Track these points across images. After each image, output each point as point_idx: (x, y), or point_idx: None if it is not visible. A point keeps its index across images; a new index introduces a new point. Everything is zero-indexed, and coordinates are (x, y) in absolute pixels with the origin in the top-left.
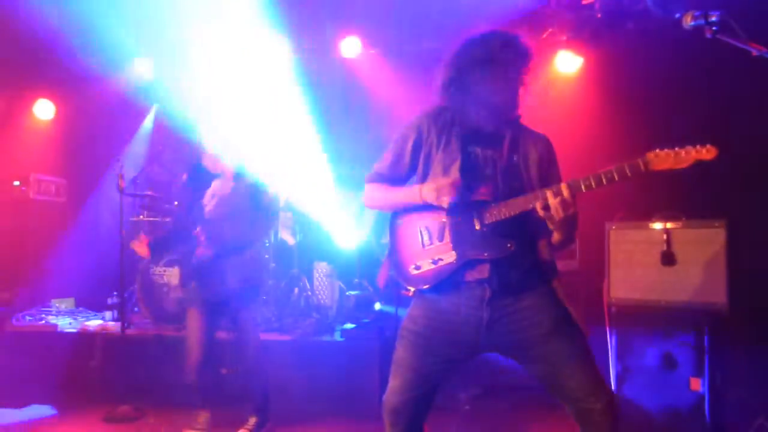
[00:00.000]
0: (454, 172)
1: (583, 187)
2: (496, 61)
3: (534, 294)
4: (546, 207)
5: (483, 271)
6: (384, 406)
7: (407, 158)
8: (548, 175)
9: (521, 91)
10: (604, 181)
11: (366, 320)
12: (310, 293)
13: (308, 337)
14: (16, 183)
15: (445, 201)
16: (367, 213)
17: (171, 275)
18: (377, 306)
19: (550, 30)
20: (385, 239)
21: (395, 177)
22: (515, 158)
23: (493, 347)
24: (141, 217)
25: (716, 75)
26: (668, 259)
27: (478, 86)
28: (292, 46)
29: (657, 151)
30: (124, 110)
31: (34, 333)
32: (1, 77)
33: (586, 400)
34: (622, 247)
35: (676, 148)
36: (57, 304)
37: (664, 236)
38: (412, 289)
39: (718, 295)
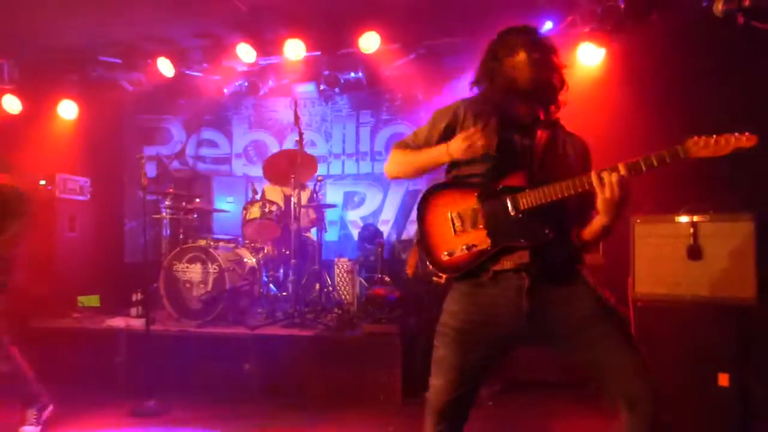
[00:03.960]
0: (491, 153)
1: (643, 166)
2: (530, 55)
3: (571, 281)
4: (601, 179)
5: (522, 258)
6: (428, 407)
7: (436, 138)
8: (582, 173)
9: (558, 88)
10: (643, 168)
11: (387, 316)
12: (331, 289)
13: (329, 332)
14: (42, 182)
15: (479, 148)
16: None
17: (194, 272)
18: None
19: (570, 18)
20: (414, 227)
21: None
22: (552, 152)
23: (535, 338)
24: (164, 214)
25: (745, 65)
26: (695, 253)
27: (513, 79)
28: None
29: (696, 138)
30: (147, 109)
31: (60, 330)
32: (26, 79)
33: (633, 385)
34: (648, 241)
35: (715, 136)
36: (83, 301)
37: (691, 230)
38: (444, 276)
39: (747, 290)
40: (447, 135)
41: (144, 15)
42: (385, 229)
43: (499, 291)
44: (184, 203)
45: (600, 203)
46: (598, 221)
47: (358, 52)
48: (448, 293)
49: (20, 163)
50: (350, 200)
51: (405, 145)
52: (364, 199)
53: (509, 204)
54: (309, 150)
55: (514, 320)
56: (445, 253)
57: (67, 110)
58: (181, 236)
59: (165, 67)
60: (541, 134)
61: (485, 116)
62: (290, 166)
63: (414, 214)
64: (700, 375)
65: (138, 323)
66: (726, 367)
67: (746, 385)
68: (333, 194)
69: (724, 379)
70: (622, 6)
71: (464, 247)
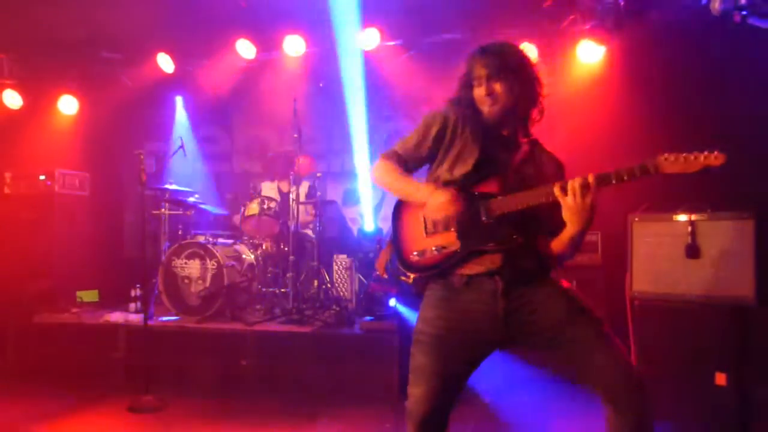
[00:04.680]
0: (469, 164)
1: (609, 177)
2: (491, 88)
3: (544, 284)
4: (564, 189)
5: (494, 263)
6: (409, 416)
7: (428, 145)
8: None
9: (532, 106)
10: (613, 181)
11: (385, 313)
12: (329, 286)
13: (327, 329)
14: (42, 177)
15: (449, 221)
16: (389, 205)
17: (193, 268)
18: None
19: (571, 18)
20: (388, 224)
21: (414, 160)
22: (529, 164)
23: (513, 340)
24: (163, 210)
25: (744, 63)
26: (693, 252)
27: (480, 111)
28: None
29: (667, 154)
30: (147, 104)
31: (59, 324)
32: (27, 74)
33: (616, 379)
34: (646, 239)
35: (686, 153)
36: (82, 296)
37: (689, 228)
38: (412, 276)
39: (746, 289)
40: (438, 143)
41: (144, 10)
42: (385, 226)
43: (473, 296)
44: (183, 199)
45: (564, 211)
46: (566, 232)
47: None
48: (423, 299)
49: (20, 158)
50: (351, 197)
51: (395, 155)
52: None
53: (481, 209)
54: (308, 146)
55: (490, 324)
56: (415, 253)
57: (68, 105)
58: (180, 232)
59: (165, 62)
60: (520, 147)
61: (472, 120)
62: (288, 163)
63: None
64: (697, 374)
65: (136, 318)
66: (724, 367)
67: (744, 385)
68: (333, 191)
69: (721, 379)
70: (622, 3)
71: (434, 248)
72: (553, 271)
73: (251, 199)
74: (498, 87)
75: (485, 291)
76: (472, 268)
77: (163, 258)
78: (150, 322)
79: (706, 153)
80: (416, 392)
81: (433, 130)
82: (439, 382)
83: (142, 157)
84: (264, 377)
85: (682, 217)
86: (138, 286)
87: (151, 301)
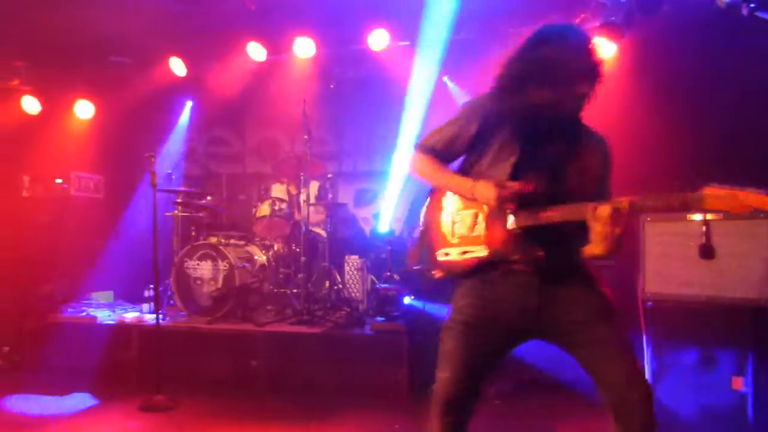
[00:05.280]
0: (507, 167)
1: (637, 207)
2: (567, 65)
3: (579, 281)
4: (595, 217)
5: (526, 267)
6: (435, 400)
7: (466, 140)
8: (603, 182)
9: (588, 94)
10: (648, 208)
11: (396, 314)
12: (341, 286)
13: (338, 330)
14: (59, 180)
15: (504, 210)
16: (400, 206)
17: (205, 269)
18: (407, 300)
19: (582, 15)
20: (420, 218)
21: (448, 154)
22: (572, 161)
23: (539, 334)
24: (176, 212)
25: (756, 56)
26: (707, 252)
27: (542, 87)
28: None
29: (715, 188)
30: (159, 107)
31: (74, 325)
32: (44, 81)
33: (625, 389)
34: (658, 239)
35: (736, 189)
36: (96, 297)
37: (703, 228)
38: (439, 274)
39: (761, 290)
40: (476, 140)
41: (157, 16)
42: (397, 226)
43: (507, 288)
44: (195, 201)
45: (591, 235)
46: (587, 249)
47: (368, 50)
48: (457, 288)
49: (38, 161)
50: (362, 198)
51: (431, 149)
52: (375, 196)
53: (510, 217)
54: (319, 148)
55: (521, 317)
56: (442, 252)
57: (84, 110)
58: (192, 233)
59: (177, 66)
60: (563, 141)
61: (511, 116)
62: (298, 165)
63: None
64: (713, 378)
65: (149, 319)
66: (740, 370)
67: (762, 389)
68: (345, 192)
69: (738, 383)
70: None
71: (460, 250)
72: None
73: (262, 201)
74: (572, 63)
75: (520, 285)
76: (509, 264)
77: (176, 259)
78: (162, 323)
79: (755, 194)
80: (442, 377)
81: (472, 127)
82: (464, 368)
83: (153, 159)
84: (274, 378)
85: (696, 217)
86: (151, 287)
87: (164, 301)
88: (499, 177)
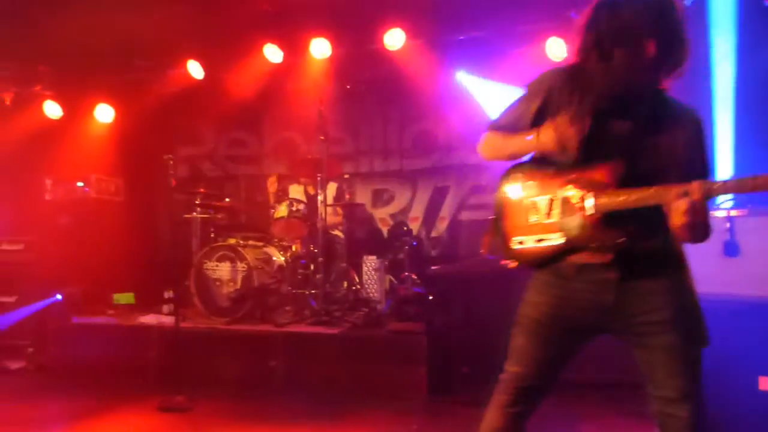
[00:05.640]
0: (576, 146)
1: (719, 191)
2: (649, 33)
3: (663, 280)
4: (673, 207)
5: (604, 257)
6: (501, 389)
7: (530, 118)
8: (690, 161)
9: (674, 63)
10: (747, 188)
11: (414, 314)
12: (359, 287)
13: (356, 330)
14: (80, 184)
15: (570, 142)
16: (418, 205)
17: (224, 270)
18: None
19: None
20: (444, 224)
21: (515, 133)
22: (651, 137)
23: (611, 331)
24: (195, 214)
25: None
26: (732, 249)
27: (622, 55)
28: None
29: None
30: (178, 110)
31: (95, 326)
32: (65, 85)
33: (675, 405)
34: None
35: None
36: (117, 298)
37: (727, 224)
38: (513, 263)
39: None
40: (539, 119)
41: (174, 19)
42: (415, 226)
43: (582, 284)
44: (214, 202)
45: (672, 226)
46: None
47: (384, 49)
48: (530, 282)
49: (60, 164)
50: (379, 198)
51: (497, 127)
52: (393, 196)
53: (589, 202)
54: (336, 148)
55: (596, 314)
56: (516, 239)
57: (104, 114)
58: (211, 235)
59: (195, 69)
60: (642, 115)
61: (581, 90)
62: (316, 165)
63: (444, 211)
64: (739, 378)
65: (169, 320)
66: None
67: None
68: (362, 192)
69: (765, 383)
70: None
71: (535, 238)
72: (679, 263)
73: (280, 202)
74: (661, 31)
75: (597, 281)
76: (583, 257)
77: (195, 261)
78: (182, 324)
79: None
80: (512, 371)
81: (537, 102)
82: (535, 365)
83: (171, 162)
84: (293, 378)
85: (720, 213)
86: (171, 288)
87: (184, 303)
88: (568, 155)
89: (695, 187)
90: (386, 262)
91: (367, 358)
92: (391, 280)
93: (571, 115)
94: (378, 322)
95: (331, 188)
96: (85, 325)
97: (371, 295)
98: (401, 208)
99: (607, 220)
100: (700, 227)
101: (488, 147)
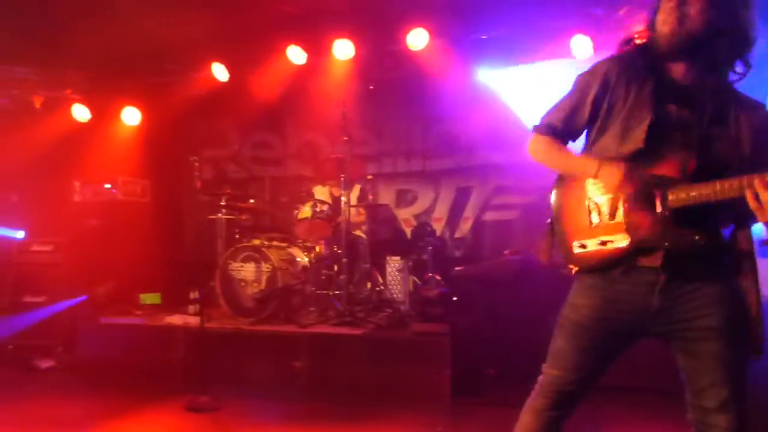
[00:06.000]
0: (639, 136)
1: None
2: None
3: (715, 284)
4: (758, 199)
5: (657, 258)
6: (540, 392)
7: (586, 111)
8: (760, 157)
9: (738, 44)
10: None
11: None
12: (382, 288)
13: (379, 331)
14: (108, 186)
15: (623, 195)
16: (442, 205)
17: (248, 271)
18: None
19: (627, 8)
20: (467, 225)
21: (569, 130)
22: (719, 127)
23: (652, 333)
24: (219, 215)
25: None
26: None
27: (668, 33)
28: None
29: None
30: (203, 112)
31: (123, 326)
32: (93, 89)
33: (716, 415)
34: None
35: None
36: (145, 299)
37: None
38: (575, 268)
39: None
40: (597, 107)
41: (199, 23)
42: (438, 227)
43: (628, 286)
44: (239, 204)
45: (762, 222)
46: (748, 230)
47: (407, 49)
48: (574, 283)
49: (88, 167)
50: (402, 198)
51: (548, 128)
52: (416, 197)
53: (657, 198)
54: (360, 149)
55: (641, 318)
56: (578, 244)
57: (130, 116)
58: (236, 236)
59: (219, 71)
60: (706, 106)
61: (640, 78)
62: (339, 166)
63: (468, 212)
64: None
65: (195, 320)
66: None
67: None
68: (385, 192)
69: None
70: None
71: (599, 241)
72: (737, 269)
73: (303, 203)
74: (695, 4)
75: (643, 283)
76: (637, 260)
77: (220, 261)
78: (207, 324)
79: None
80: (552, 373)
81: (592, 93)
82: (575, 369)
83: (196, 163)
84: (317, 379)
85: None
86: (196, 289)
87: (209, 303)
88: (631, 147)
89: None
90: (410, 263)
91: (390, 359)
92: (414, 281)
93: (631, 176)
94: (401, 323)
95: (355, 189)
96: (112, 325)
97: (395, 295)
98: (424, 208)
99: (679, 217)
100: None
101: (541, 154)
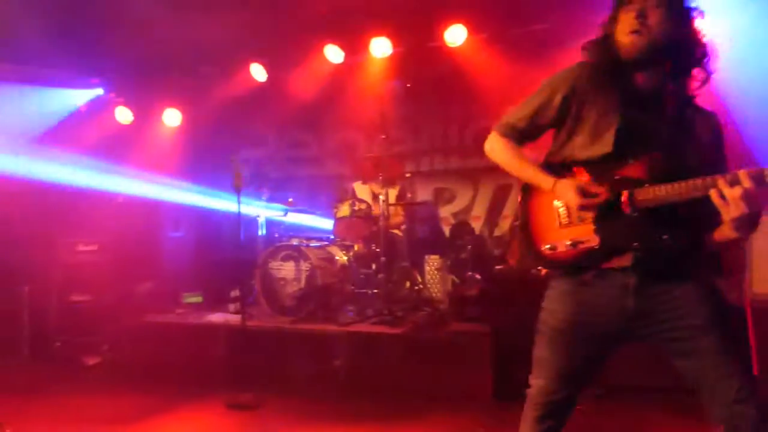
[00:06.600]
0: (608, 140)
1: (756, 181)
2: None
3: (689, 282)
4: (722, 197)
5: (626, 258)
6: (528, 405)
7: (553, 112)
8: (715, 161)
9: (692, 53)
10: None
11: (477, 315)
12: (421, 287)
13: (419, 331)
14: (150, 186)
15: (589, 214)
16: (480, 204)
17: (288, 269)
18: None
19: None
20: (507, 222)
21: (530, 131)
22: (682, 131)
23: (640, 338)
24: (260, 214)
25: None
26: None
27: (628, 44)
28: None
29: None
30: (242, 112)
31: (166, 324)
32: (135, 91)
33: (739, 406)
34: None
35: None
36: (187, 297)
37: None
38: (544, 270)
39: None
40: (564, 110)
41: (237, 24)
42: (477, 225)
43: (602, 289)
44: (278, 203)
45: (725, 221)
46: (723, 233)
47: (445, 46)
48: (547, 289)
49: (130, 167)
50: (440, 197)
51: (509, 129)
52: (454, 195)
53: (625, 200)
54: (397, 147)
55: (618, 321)
56: (547, 246)
57: (171, 118)
58: (276, 235)
59: (258, 72)
60: (668, 111)
61: (607, 84)
62: (377, 165)
63: (507, 210)
64: None
65: (235, 319)
66: None
67: None
68: (423, 191)
69: None
70: None
71: (568, 242)
72: (704, 262)
73: (342, 201)
74: (653, 16)
75: (615, 285)
76: (607, 262)
77: (260, 260)
78: (248, 323)
79: None
80: (536, 384)
81: (559, 96)
82: (558, 375)
83: (236, 163)
84: (356, 378)
85: None
86: (237, 287)
87: (250, 302)
88: (599, 151)
89: (743, 174)
90: (448, 262)
91: (430, 358)
92: (453, 280)
93: (600, 191)
94: (441, 322)
95: (393, 187)
96: (155, 324)
97: (433, 295)
98: (463, 206)
99: (647, 217)
100: (755, 217)
101: (499, 154)
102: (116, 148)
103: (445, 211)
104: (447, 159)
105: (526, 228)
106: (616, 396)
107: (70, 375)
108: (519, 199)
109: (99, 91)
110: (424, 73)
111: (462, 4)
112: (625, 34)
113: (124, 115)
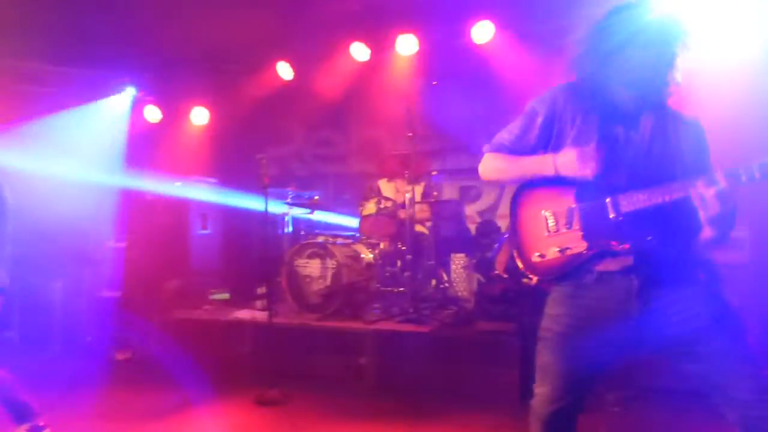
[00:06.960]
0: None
1: (743, 177)
2: (645, 39)
3: (691, 285)
4: (700, 198)
5: (626, 261)
6: (533, 416)
7: (535, 134)
8: (698, 166)
9: (672, 73)
10: (743, 178)
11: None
12: (447, 285)
13: (445, 329)
14: (178, 184)
15: (590, 172)
16: (506, 202)
17: (314, 267)
18: None
19: None
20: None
21: (519, 150)
22: (660, 143)
23: (646, 346)
24: (286, 212)
25: None
26: None
27: (620, 63)
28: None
29: None
30: (268, 111)
31: (194, 321)
32: (163, 90)
33: (758, 406)
34: None
35: None
36: (215, 295)
37: None
38: (535, 278)
39: None
40: (546, 132)
41: (264, 23)
42: (503, 224)
43: (604, 293)
44: (304, 201)
45: (703, 220)
46: (705, 234)
47: (472, 43)
48: (549, 295)
49: (159, 166)
50: (466, 195)
51: (500, 147)
52: (480, 193)
53: (609, 205)
54: (423, 145)
55: (623, 326)
56: (537, 254)
57: (199, 116)
58: (302, 232)
59: (284, 70)
60: (647, 124)
61: (585, 104)
62: (403, 163)
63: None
64: None
65: (262, 315)
66: None
67: None
68: (449, 189)
69: None
70: None
71: (557, 249)
72: (706, 264)
73: (367, 199)
74: (657, 48)
75: (618, 289)
76: (606, 265)
77: (286, 258)
78: (274, 320)
79: None
80: (541, 392)
81: (539, 119)
82: (563, 382)
83: (264, 161)
84: (382, 375)
85: None
86: (264, 284)
87: (276, 298)
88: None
89: (719, 174)
90: (474, 260)
91: (457, 357)
92: (479, 279)
93: (593, 147)
94: (466, 321)
95: (419, 185)
96: (184, 320)
97: (459, 293)
98: (488, 205)
99: (632, 220)
100: (728, 217)
101: (493, 169)
102: (145, 145)
103: (471, 210)
104: (473, 157)
105: (514, 238)
106: (654, 398)
107: (100, 370)
108: (509, 211)
109: (132, 91)
110: (451, 70)
111: (490, 1)
112: (632, 61)
113: (152, 113)
